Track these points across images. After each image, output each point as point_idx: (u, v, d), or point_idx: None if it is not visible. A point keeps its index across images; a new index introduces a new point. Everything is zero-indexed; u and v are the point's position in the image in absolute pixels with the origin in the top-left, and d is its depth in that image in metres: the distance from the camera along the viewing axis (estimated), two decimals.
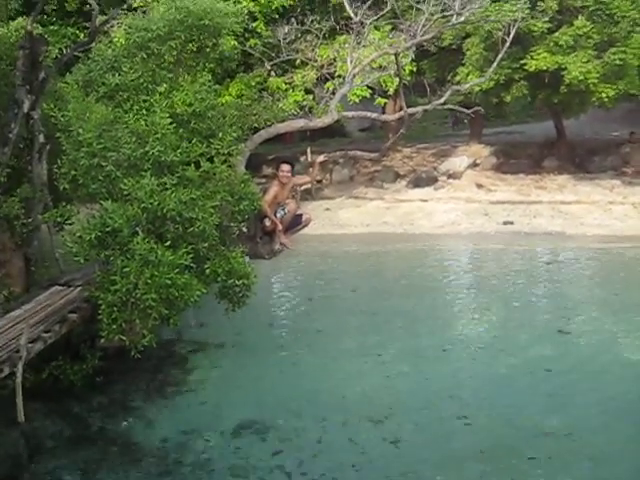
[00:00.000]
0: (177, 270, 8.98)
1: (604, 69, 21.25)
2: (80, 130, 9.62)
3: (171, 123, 9.75)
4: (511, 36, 14.87)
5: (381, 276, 17.58)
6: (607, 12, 21.75)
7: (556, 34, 21.87)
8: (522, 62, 22.05)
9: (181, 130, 10.06)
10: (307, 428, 9.90)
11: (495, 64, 14.96)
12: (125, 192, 9.25)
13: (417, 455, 9.17)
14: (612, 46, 21.59)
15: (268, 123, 12.27)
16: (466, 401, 10.65)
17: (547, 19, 21.46)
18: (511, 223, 21.94)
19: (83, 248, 9.13)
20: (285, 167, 11.36)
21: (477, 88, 20.86)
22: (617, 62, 21.12)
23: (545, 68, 21.58)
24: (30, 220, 11.23)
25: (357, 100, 21.90)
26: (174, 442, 9.55)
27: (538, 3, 21.26)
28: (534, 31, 21.36)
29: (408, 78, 22.03)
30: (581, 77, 20.93)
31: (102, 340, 9.64)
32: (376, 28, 18.76)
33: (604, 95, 21.53)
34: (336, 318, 14.32)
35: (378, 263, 19.03)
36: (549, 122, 27.59)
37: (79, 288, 10.79)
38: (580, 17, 21.94)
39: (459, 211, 23.05)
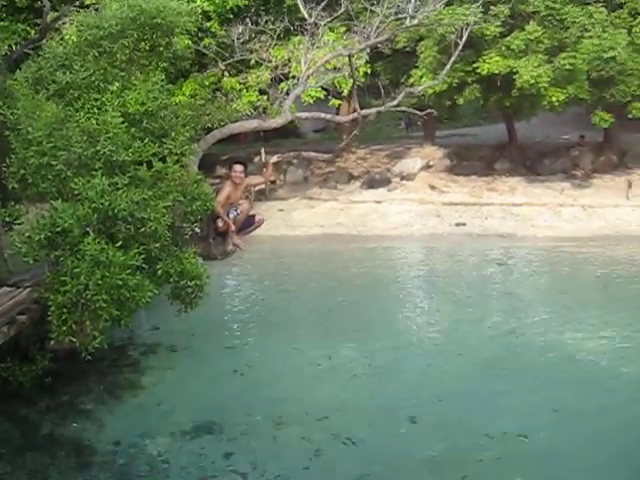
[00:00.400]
0: (128, 271, 8.86)
1: (554, 73, 21.62)
2: (30, 128, 9.44)
3: (123, 122, 9.63)
4: (464, 39, 14.97)
5: (335, 277, 17.61)
6: (558, 18, 22.17)
7: (508, 38, 22.21)
8: (475, 65, 22.34)
9: (133, 129, 9.93)
10: (261, 429, 9.90)
11: (448, 67, 15.07)
12: (76, 192, 9.10)
13: (371, 457, 9.21)
14: (562, 51, 21.99)
15: (222, 123, 12.19)
16: (417, 402, 10.70)
17: (499, 23, 21.78)
18: (463, 224, 22.19)
19: (32, 248, 8.96)
20: (238, 167, 11.29)
21: (430, 90, 21.05)
22: (567, 67, 21.51)
23: (497, 72, 21.90)
24: None
25: (311, 101, 21.94)
26: (126, 445, 9.46)
27: (490, 7, 21.53)
28: (486, 35, 21.65)
29: (362, 80, 22.11)
30: (532, 81, 21.28)
31: (52, 342, 9.46)
32: (330, 29, 18.82)
33: (554, 99, 21.91)
34: (289, 319, 14.33)
35: (332, 264, 19.07)
36: (501, 125, 27.99)
37: (28, 289, 10.58)
38: (531, 22, 22.34)
39: (412, 212, 23.23)
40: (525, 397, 10.73)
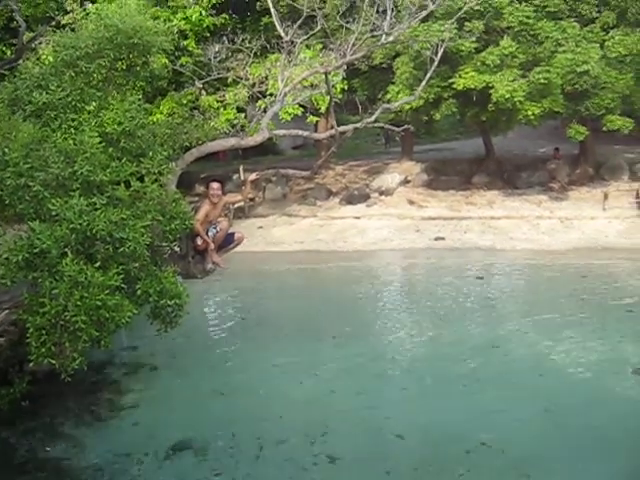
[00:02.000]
0: (108, 291, 8.80)
1: (529, 88, 21.86)
2: (6, 149, 9.37)
3: (100, 142, 9.59)
4: (439, 55, 15.06)
5: (315, 294, 17.61)
6: (531, 33, 22.47)
7: (483, 54, 22.44)
8: (451, 81, 22.54)
9: (111, 149, 9.90)
10: (244, 447, 9.85)
11: (424, 83, 15.13)
12: (53, 212, 9.04)
13: (355, 474, 9.19)
14: (537, 65, 22.26)
15: (200, 141, 12.16)
16: (400, 417, 10.71)
17: (474, 39, 21.98)
18: (442, 239, 22.32)
19: (10, 270, 8.87)
20: (214, 185, 11.25)
21: (407, 106, 21.21)
22: (542, 81, 21.77)
23: (473, 86, 22.11)
24: None
25: (289, 118, 22.03)
26: (107, 466, 9.40)
27: (465, 24, 21.74)
28: (462, 51, 21.86)
29: (339, 96, 22.24)
30: (508, 95, 21.50)
31: (31, 364, 9.39)
32: (307, 47, 18.93)
33: (530, 113, 22.14)
34: (269, 337, 14.31)
35: (311, 281, 19.08)
36: (478, 139, 28.23)
37: (6, 311, 10.50)
38: (506, 37, 22.59)
39: (391, 227, 23.35)
40: (507, 409, 10.75)
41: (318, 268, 20.16)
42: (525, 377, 12.01)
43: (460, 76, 22.39)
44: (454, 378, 12.04)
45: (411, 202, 25.52)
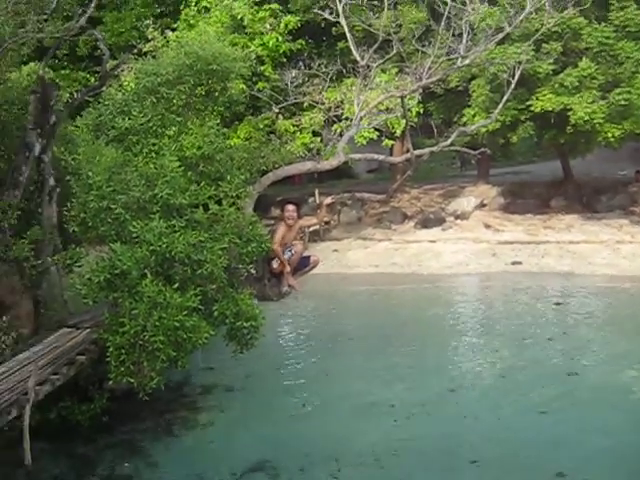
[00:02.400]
0: (185, 312, 8.98)
1: (609, 109, 21.44)
2: (90, 173, 9.70)
3: (180, 166, 9.83)
4: (516, 78, 14.97)
5: (390, 318, 17.50)
6: (611, 53, 22.04)
7: (561, 75, 22.12)
8: (528, 103, 22.28)
9: (190, 173, 10.13)
10: (316, 471, 9.82)
11: (501, 105, 15.03)
12: (134, 234, 9.30)
13: None
14: (617, 86, 21.82)
15: (276, 165, 12.34)
16: (476, 443, 10.54)
17: (552, 61, 21.71)
18: (519, 263, 21.96)
19: (92, 290, 9.15)
20: (290, 207, 11.36)
21: (483, 129, 21.02)
22: (622, 102, 21.34)
23: (551, 109, 21.79)
24: (39, 262, 11.29)
25: (364, 142, 22.11)
26: None
27: (543, 45, 21.50)
28: (539, 72, 21.61)
29: (415, 120, 22.25)
30: (586, 117, 21.13)
31: (110, 382, 9.62)
32: (383, 71, 19.02)
33: (610, 135, 21.71)
34: (344, 361, 14.28)
35: (387, 305, 18.97)
36: (556, 162, 27.75)
37: (87, 330, 10.80)
38: (584, 58, 22.21)
39: (467, 251, 23.10)
40: (584, 440, 10.47)
41: (394, 292, 20.06)
42: (604, 407, 11.67)
43: (537, 98, 22.11)
44: (530, 406, 11.83)
45: (487, 226, 25.23)
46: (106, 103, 11.13)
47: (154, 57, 12.19)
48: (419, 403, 12.06)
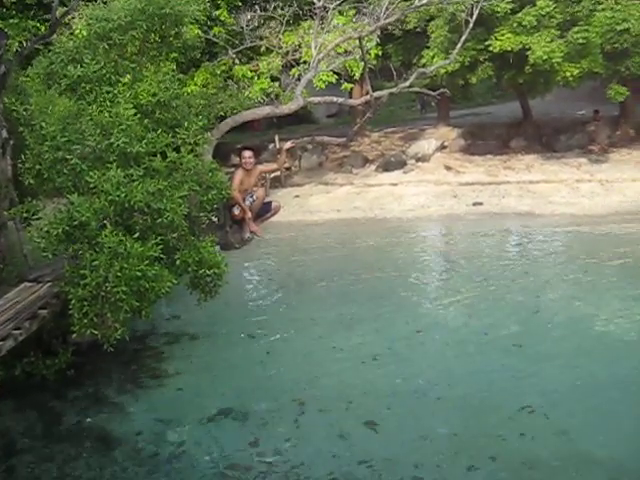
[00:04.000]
0: (147, 262, 8.91)
1: (568, 48, 21.44)
2: (43, 124, 9.49)
3: (136, 114, 9.66)
4: (474, 17, 14.84)
5: (354, 263, 17.57)
6: None
7: (519, 14, 22.03)
8: (487, 43, 22.21)
9: (146, 121, 9.96)
10: (285, 414, 9.92)
11: (460, 46, 14.94)
12: (91, 185, 9.16)
13: (395, 439, 9.21)
14: (575, 25, 21.80)
15: (234, 111, 12.19)
16: (440, 383, 10.70)
17: (510, 0, 21.57)
18: (480, 204, 22.13)
19: (51, 243, 9.02)
20: (247, 153, 11.27)
21: (443, 70, 20.94)
22: (580, 41, 21.34)
23: (509, 49, 21.75)
24: None
25: (323, 86, 21.88)
26: (150, 433, 9.54)
27: None
28: (497, 12, 21.49)
29: (374, 62, 22.04)
30: (545, 57, 21.13)
31: (74, 335, 9.55)
32: (340, 13, 18.73)
33: (568, 74, 21.75)
34: (309, 307, 14.33)
35: (350, 249, 19.03)
36: (515, 102, 27.80)
37: (48, 284, 10.66)
38: None
39: (429, 194, 23.19)
40: (548, 375, 10.70)
41: (356, 235, 20.10)
42: (568, 343, 11.91)
43: (496, 38, 22.02)
44: (496, 341, 12.05)
45: (448, 168, 25.29)
46: (57, 51, 10.86)
47: (105, 2, 11.85)
48: (385, 345, 12.19)
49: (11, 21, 22.52)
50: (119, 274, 8.77)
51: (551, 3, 21.87)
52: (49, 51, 11.08)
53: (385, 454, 8.83)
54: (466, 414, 9.72)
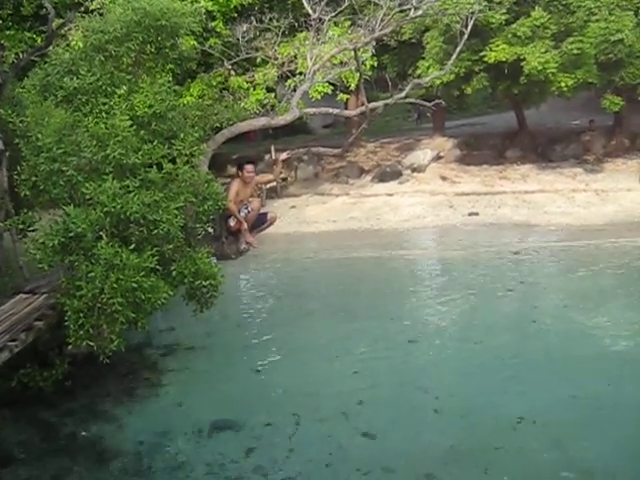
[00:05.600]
0: (143, 273, 8.89)
1: (562, 59, 21.53)
2: (39, 135, 9.49)
3: (131, 125, 9.66)
4: (469, 28, 14.92)
5: (349, 273, 17.58)
6: (563, 2, 22.11)
7: (514, 25, 22.12)
8: (482, 54, 22.28)
9: (142, 132, 9.96)
10: (280, 425, 9.89)
11: (455, 57, 15.00)
12: (87, 196, 9.14)
13: (392, 449, 9.19)
14: (569, 36, 21.90)
15: (230, 122, 12.19)
16: (437, 394, 10.68)
17: (504, 11, 21.70)
18: (476, 214, 22.16)
19: (47, 254, 9.00)
20: (249, 167, 11.26)
21: (438, 81, 21.02)
22: (575, 51, 21.43)
23: (504, 59, 21.82)
24: None
25: (319, 97, 21.93)
26: (146, 445, 9.50)
27: None
28: (492, 23, 21.59)
29: (369, 73, 22.10)
30: (540, 67, 21.21)
31: (70, 346, 9.51)
32: (335, 24, 18.78)
33: (563, 84, 21.82)
34: (304, 317, 14.33)
35: (346, 260, 19.03)
36: (510, 113, 27.89)
37: (44, 295, 10.64)
38: (537, 8, 22.24)
39: (424, 204, 23.23)
40: (544, 386, 10.69)
41: (353, 246, 20.09)
42: (562, 354, 11.90)
43: (491, 49, 22.10)
44: (490, 351, 12.03)
45: (444, 178, 25.35)
46: (53, 63, 10.86)
47: (101, 14, 11.87)
48: (381, 355, 12.19)
49: (7, 33, 22.57)
50: (115, 285, 8.75)
51: (545, 14, 21.97)
52: (45, 63, 11.09)
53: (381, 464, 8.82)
54: (464, 425, 9.70)
